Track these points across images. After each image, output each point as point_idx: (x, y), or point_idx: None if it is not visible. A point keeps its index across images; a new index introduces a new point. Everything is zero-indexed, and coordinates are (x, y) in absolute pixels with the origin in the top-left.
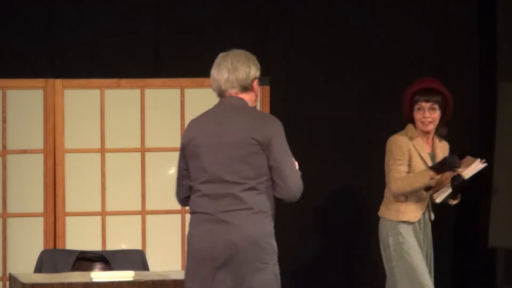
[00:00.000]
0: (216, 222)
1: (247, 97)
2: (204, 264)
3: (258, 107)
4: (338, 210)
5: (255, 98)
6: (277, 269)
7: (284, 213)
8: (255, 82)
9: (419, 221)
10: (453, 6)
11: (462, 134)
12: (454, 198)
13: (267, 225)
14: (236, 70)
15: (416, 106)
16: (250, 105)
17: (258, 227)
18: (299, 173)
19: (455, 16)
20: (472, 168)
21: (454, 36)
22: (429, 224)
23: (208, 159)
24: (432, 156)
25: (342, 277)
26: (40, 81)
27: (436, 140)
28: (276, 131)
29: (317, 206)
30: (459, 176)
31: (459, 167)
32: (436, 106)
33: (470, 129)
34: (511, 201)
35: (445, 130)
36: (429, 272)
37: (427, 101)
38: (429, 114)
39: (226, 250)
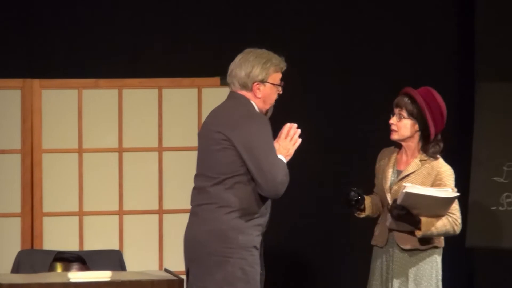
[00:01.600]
0: (192, 215)
1: (249, 95)
2: (184, 257)
3: None
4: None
5: (261, 100)
6: (244, 263)
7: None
8: (256, 84)
9: (388, 247)
10: (432, 6)
11: (441, 134)
12: (417, 228)
13: (232, 220)
14: (239, 67)
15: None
16: (254, 103)
17: (221, 221)
18: (281, 170)
19: (434, 16)
20: (400, 192)
21: (432, 36)
22: (403, 254)
23: (198, 153)
24: (398, 173)
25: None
26: (17, 81)
27: (416, 160)
28: (250, 130)
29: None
30: (394, 201)
31: (349, 204)
32: (404, 114)
33: (449, 129)
34: (488, 200)
35: (432, 147)
36: None
37: (396, 106)
38: (394, 121)
39: (192, 243)
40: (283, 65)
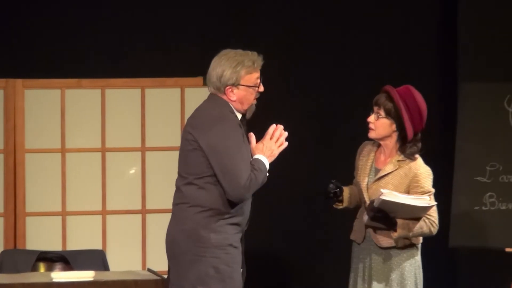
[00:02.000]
0: (172, 214)
1: (224, 97)
2: (166, 255)
3: None
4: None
5: (236, 101)
6: (218, 262)
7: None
8: (228, 88)
9: (366, 244)
10: (417, 7)
11: (424, 134)
12: (393, 230)
13: (203, 219)
14: (213, 70)
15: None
16: (232, 105)
17: (192, 220)
18: (245, 174)
19: (418, 19)
20: (377, 197)
21: (416, 38)
22: (381, 251)
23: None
24: (376, 172)
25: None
26: (0, 81)
27: (393, 159)
28: (217, 133)
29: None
30: (371, 202)
31: (327, 196)
32: (382, 113)
33: (432, 129)
34: (471, 200)
35: (409, 148)
36: None
37: (375, 104)
38: (372, 119)
39: (169, 242)
40: (259, 63)
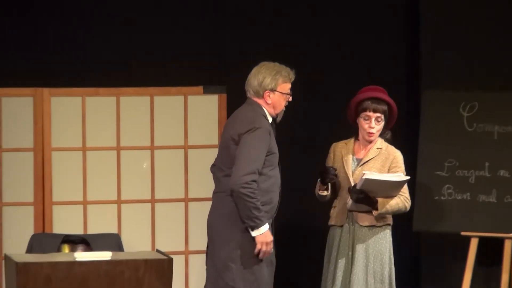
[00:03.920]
0: (212, 201)
1: (261, 101)
2: None
3: (216, 114)
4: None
5: (271, 106)
6: (246, 243)
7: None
8: (266, 92)
9: (348, 226)
10: (385, 26)
11: (392, 135)
12: (374, 208)
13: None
14: (253, 77)
15: (363, 115)
16: (266, 109)
17: (228, 207)
18: (249, 168)
19: (387, 34)
20: (359, 179)
21: (386, 50)
22: (362, 229)
23: (218, 148)
24: (358, 161)
25: None
26: (30, 90)
27: (374, 148)
28: (250, 135)
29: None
30: (353, 186)
31: (325, 178)
32: (382, 117)
33: (399, 130)
34: (432, 191)
35: (389, 134)
36: (350, 276)
37: (374, 111)
38: (374, 125)
39: (208, 225)
40: (292, 77)
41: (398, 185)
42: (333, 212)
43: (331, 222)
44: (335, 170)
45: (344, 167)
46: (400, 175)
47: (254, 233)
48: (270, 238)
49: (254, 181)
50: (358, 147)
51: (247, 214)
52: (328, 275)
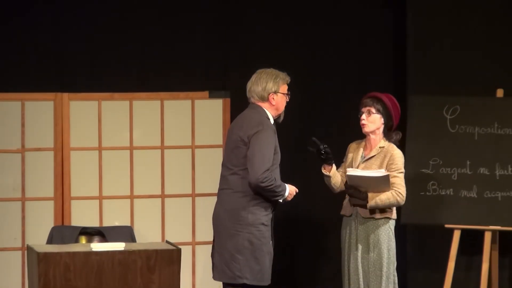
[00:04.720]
0: (217, 197)
1: (264, 105)
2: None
3: (220, 116)
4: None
5: (275, 107)
6: (251, 236)
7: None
8: (271, 95)
9: (353, 216)
10: (372, 31)
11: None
12: (365, 202)
13: (243, 202)
14: (255, 84)
15: (360, 112)
16: (269, 111)
17: (234, 203)
18: (264, 165)
19: (378, 43)
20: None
21: (376, 58)
22: (363, 220)
23: (224, 148)
24: (363, 158)
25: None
26: (50, 95)
27: (377, 146)
28: (260, 135)
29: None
30: (345, 183)
31: (313, 146)
32: (372, 110)
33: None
34: (418, 187)
35: (395, 135)
36: (355, 267)
37: (364, 106)
38: (365, 117)
39: (214, 219)
40: (288, 79)
41: (382, 179)
42: (344, 202)
43: (342, 212)
44: (322, 143)
45: (352, 163)
46: (381, 171)
47: (282, 199)
48: (293, 192)
49: (268, 171)
50: (366, 145)
51: (272, 195)
52: (344, 263)
